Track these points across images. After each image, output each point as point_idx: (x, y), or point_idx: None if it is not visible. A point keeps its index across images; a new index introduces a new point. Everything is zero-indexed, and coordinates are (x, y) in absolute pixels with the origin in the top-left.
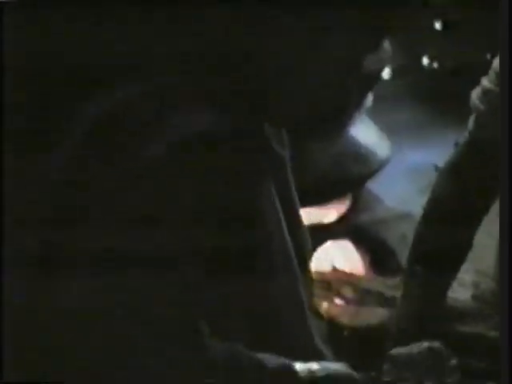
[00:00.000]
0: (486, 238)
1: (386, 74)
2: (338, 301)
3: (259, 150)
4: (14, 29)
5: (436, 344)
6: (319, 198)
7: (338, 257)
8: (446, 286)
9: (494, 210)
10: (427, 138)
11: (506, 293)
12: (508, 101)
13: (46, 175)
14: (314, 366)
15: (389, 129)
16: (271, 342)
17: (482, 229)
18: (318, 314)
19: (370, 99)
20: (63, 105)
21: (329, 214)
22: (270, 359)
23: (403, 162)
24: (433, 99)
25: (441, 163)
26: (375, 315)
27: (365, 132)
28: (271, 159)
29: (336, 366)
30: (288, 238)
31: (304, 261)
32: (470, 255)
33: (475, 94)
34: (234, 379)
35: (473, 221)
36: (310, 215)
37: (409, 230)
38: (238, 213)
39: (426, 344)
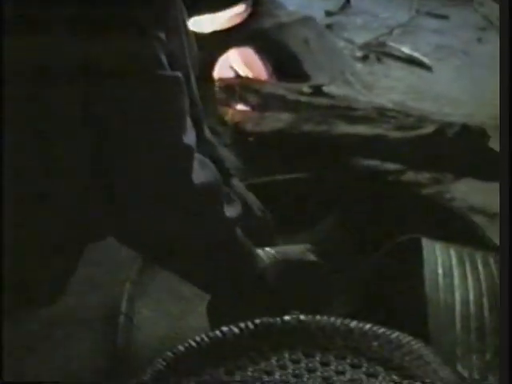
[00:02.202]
0: None
1: None
2: (242, 107)
3: None
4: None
5: None
6: (219, 4)
7: (240, 64)
8: None
9: None
10: None
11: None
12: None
13: None
14: (272, 251)
15: None
16: None
17: None
18: (222, 120)
19: None
20: None
21: (230, 19)
22: None
23: None
24: None
25: None
26: (279, 119)
27: None
28: None
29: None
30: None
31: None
32: None
33: None
34: None
35: None
36: (211, 22)
37: (310, 34)
38: None
39: None
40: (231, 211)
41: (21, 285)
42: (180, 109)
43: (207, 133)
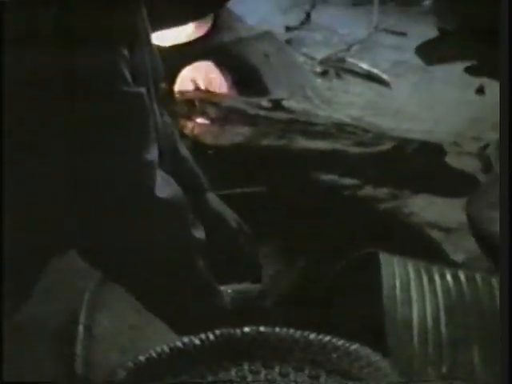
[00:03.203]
0: None
1: None
2: (201, 120)
3: None
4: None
5: None
6: (180, 19)
7: (201, 77)
8: None
9: None
10: None
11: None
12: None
13: None
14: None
15: None
16: None
17: None
18: (182, 133)
19: None
20: None
21: (191, 33)
22: None
23: None
24: None
25: None
26: (238, 133)
27: None
28: None
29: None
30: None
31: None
32: None
33: None
34: None
35: None
36: (172, 35)
37: (270, 49)
38: None
39: None
40: (196, 233)
41: None
42: (142, 125)
43: (182, 149)
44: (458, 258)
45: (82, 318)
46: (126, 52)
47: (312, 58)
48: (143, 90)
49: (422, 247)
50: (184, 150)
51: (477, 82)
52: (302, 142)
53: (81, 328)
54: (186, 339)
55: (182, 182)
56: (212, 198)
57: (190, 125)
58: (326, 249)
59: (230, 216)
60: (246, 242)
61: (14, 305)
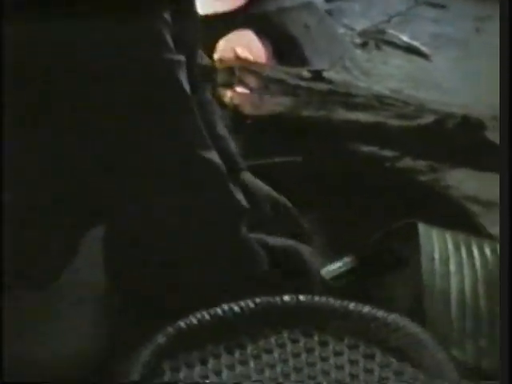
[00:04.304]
0: None
1: None
2: (241, 89)
3: None
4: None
5: None
6: None
7: (240, 46)
8: None
9: None
10: None
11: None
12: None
13: None
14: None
15: None
16: None
17: None
18: (222, 102)
19: None
20: None
21: (233, 1)
22: None
23: None
24: None
25: None
26: (278, 103)
27: None
28: None
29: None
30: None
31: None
32: None
33: None
34: None
35: None
36: (212, 4)
37: (311, 19)
38: None
39: None
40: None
41: (21, 267)
42: (182, 91)
43: (220, 127)
44: (496, 231)
45: None
46: (168, 18)
47: (352, 29)
48: (183, 57)
49: (460, 220)
50: (222, 128)
51: None
52: (342, 114)
53: None
54: (225, 306)
55: None
56: (248, 177)
57: (229, 94)
58: (364, 219)
59: (267, 195)
60: (285, 217)
61: (55, 272)
